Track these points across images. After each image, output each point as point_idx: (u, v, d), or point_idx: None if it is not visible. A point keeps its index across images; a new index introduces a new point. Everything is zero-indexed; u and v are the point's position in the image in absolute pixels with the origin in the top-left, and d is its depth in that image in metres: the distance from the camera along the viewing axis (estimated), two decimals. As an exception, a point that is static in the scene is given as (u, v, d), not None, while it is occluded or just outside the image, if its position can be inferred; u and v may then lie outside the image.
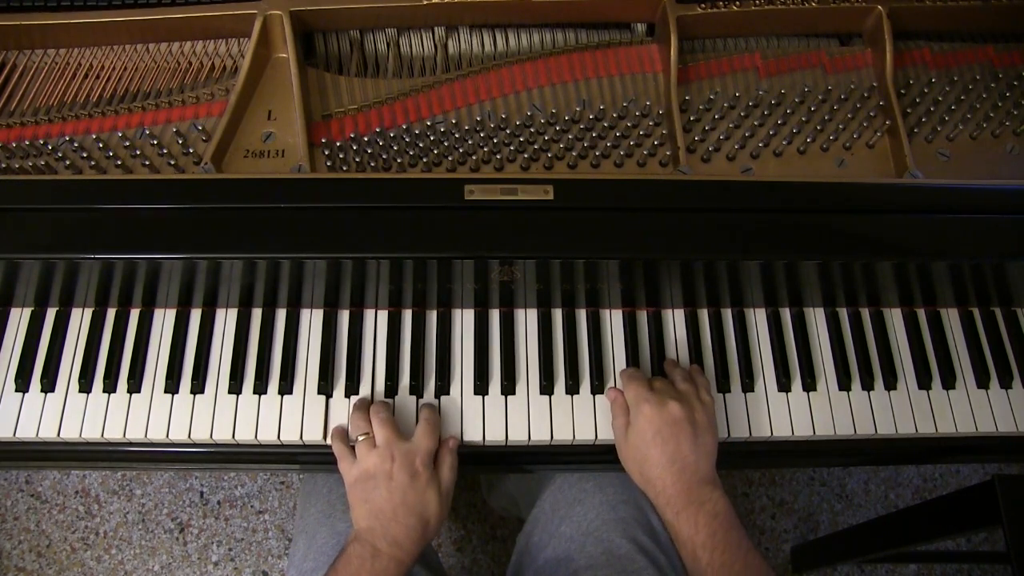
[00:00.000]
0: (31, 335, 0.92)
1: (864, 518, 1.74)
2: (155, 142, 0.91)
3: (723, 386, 0.92)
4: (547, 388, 0.91)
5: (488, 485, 1.51)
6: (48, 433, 0.88)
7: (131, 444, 0.90)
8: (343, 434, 0.87)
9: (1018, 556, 0.99)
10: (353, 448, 0.84)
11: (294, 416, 0.89)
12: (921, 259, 0.88)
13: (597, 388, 0.91)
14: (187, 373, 0.91)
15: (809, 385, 0.93)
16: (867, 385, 0.93)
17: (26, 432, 0.88)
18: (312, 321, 0.94)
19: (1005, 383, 0.95)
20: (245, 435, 0.88)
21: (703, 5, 0.98)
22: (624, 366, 0.92)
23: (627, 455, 0.83)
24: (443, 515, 0.83)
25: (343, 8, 0.96)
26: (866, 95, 0.99)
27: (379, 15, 0.98)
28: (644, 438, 0.80)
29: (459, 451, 0.89)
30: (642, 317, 0.96)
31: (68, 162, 0.89)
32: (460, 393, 0.91)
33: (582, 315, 0.95)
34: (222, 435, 0.88)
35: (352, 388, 0.90)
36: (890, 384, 0.94)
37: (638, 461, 0.80)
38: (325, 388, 0.90)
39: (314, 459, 0.93)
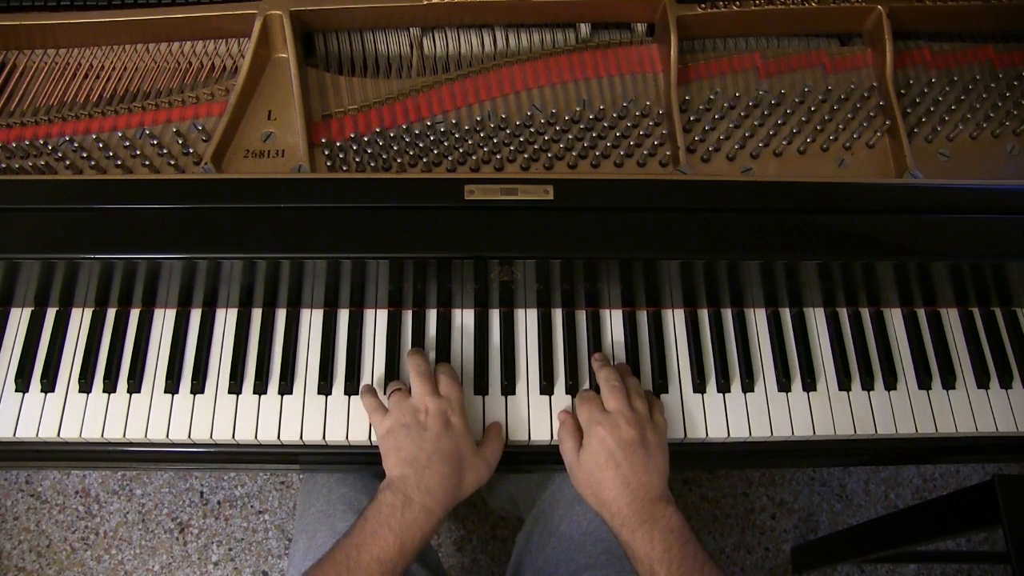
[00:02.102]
0: (31, 335, 0.92)
1: (864, 518, 1.74)
2: (155, 142, 0.91)
3: (723, 386, 0.92)
4: (547, 388, 0.91)
5: (488, 485, 1.50)
6: (48, 433, 0.88)
7: (131, 444, 0.90)
8: (372, 389, 0.88)
9: (1018, 556, 0.99)
10: (381, 403, 0.85)
11: (294, 416, 0.89)
12: (921, 259, 0.88)
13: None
14: (187, 373, 0.91)
15: (809, 385, 0.93)
16: (867, 385, 0.93)
17: (26, 432, 0.88)
18: (312, 321, 0.94)
19: (1005, 383, 0.95)
20: (245, 435, 0.88)
21: (703, 5, 0.98)
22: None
23: (580, 478, 0.82)
24: (480, 476, 0.82)
25: (343, 8, 0.96)
26: (866, 95, 0.99)
27: (379, 15, 0.98)
28: (598, 461, 0.80)
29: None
30: (642, 317, 0.96)
31: (68, 162, 0.89)
32: (460, 393, 0.91)
33: (582, 315, 0.95)
34: (222, 435, 0.88)
35: (352, 388, 0.90)
36: (890, 384, 0.94)
37: (592, 484, 0.80)
38: (325, 388, 0.90)
39: (314, 459, 0.93)
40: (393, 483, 0.78)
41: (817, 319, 0.97)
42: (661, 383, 0.92)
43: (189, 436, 0.88)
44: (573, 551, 0.95)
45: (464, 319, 0.94)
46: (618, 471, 0.78)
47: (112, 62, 0.98)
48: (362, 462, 0.93)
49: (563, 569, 0.95)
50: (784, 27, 1.03)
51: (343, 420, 0.89)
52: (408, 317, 0.94)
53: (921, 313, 0.98)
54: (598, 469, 0.80)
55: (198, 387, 0.90)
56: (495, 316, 0.95)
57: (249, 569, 1.65)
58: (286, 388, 0.90)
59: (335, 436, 0.89)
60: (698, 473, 1.75)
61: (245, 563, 1.66)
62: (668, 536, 0.75)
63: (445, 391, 0.84)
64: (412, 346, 0.92)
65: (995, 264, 0.90)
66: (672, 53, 0.96)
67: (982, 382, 0.94)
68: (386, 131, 0.94)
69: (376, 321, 0.94)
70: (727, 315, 0.96)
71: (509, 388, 0.91)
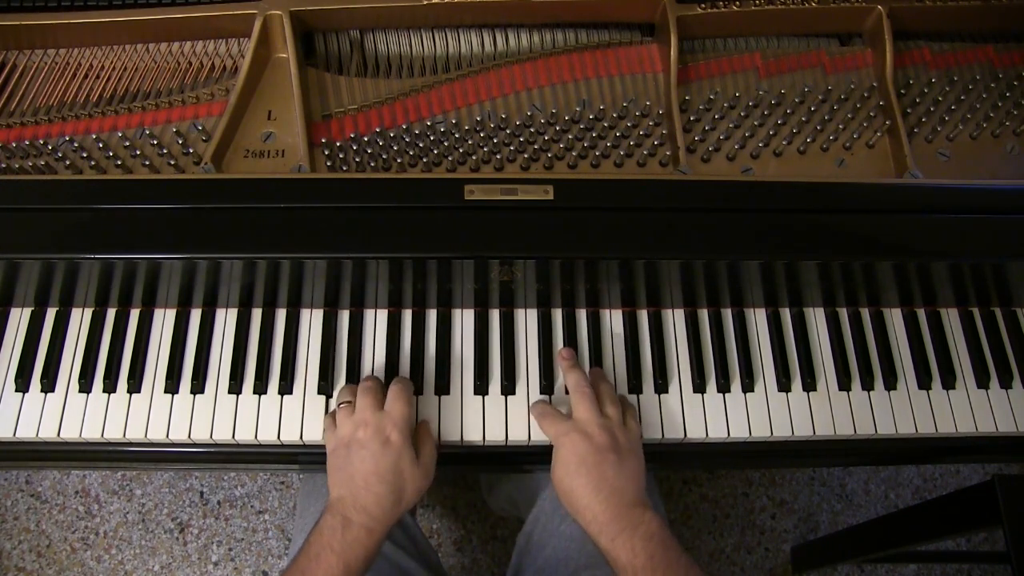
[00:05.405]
0: (31, 335, 0.92)
1: (864, 518, 1.74)
2: (155, 142, 0.91)
3: (723, 386, 0.92)
4: (547, 388, 0.91)
5: (488, 485, 1.50)
6: (48, 433, 0.88)
7: (131, 444, 0.90)
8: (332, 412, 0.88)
9: (1018, 556, 0.99)
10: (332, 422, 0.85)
11: (294, 416, 0.89)
12: (921, 259, 0.88)
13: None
14: (187, 373, 0.91)
15: (809, 385, 0.93)
16: (867, 385, 0.93)
17: (26, 432, 0.88)
18: (312, 321, 0.94)
19: (1005, 383, 0.95)
20: (245, 435, 0.88)
21: (703, 5, 0.98)
22: (625, 366, 0.93)
23: (555, 487, 0.82)
24: (420, 486, 0.82)
25: (343, 8, 0.96)
26: (866, 95, 0.99)
27: (379, 15, 0.98)
28: (568, 468, 0.79)
29: (459, 451, 0.89)
30: (642, 317, 0.96)
31: (68, 162, 0.89)
32: (460, 393, 0.91)
33: (582, 315, 0.95)
34: (222, 435, 0.88)
35: (352, 388, 0.90)
36: (890, 384, 0.94)
37: (566, 492, 0.80)
38: (325, 388, 0.90)
39: (314, 459, 0.93)
40: (332, 505, 0.79)
41: (817, 319, 0.97)
42: (661, 383, 0.92)
43: (189, 436, 0.88)
44: (573, 550, 0.95)
45: (464, 319, 0.94)
46: (589, 477, 0.78)
47: (112, 62, 0.98)
48: (362, 462, 0.93)
49: (563, 569, 0.95)
50: (784, 27, 1.03)
51: (343, 420, 0.89)
52: (408, 317, 0.94)
53: (921, 313, 0.98)
54: (569, 477, 0.79)
55: (198, 387, 0.90)
56: (495, 316, 0.95)
57: (249, 569, 1.65)
58: (286, 388, 0.90)
59: (335, 436, 0.88)
60: (698, 473, 1.75)
61: (245, 563, 1.66)
62: (649, 543, 0.75)
63: (388, 406, 0.82)
64: (411, 346, 0.92)
65: (995, 264, 0.90)
66: (672, 53, 0.96)
67: (982, 382, 0.94)
68: (386, 131, 0.94)
69: (376, 321, 0.94)
70: (727, 315, 0.96)
71: (509, 388, 0.91)
